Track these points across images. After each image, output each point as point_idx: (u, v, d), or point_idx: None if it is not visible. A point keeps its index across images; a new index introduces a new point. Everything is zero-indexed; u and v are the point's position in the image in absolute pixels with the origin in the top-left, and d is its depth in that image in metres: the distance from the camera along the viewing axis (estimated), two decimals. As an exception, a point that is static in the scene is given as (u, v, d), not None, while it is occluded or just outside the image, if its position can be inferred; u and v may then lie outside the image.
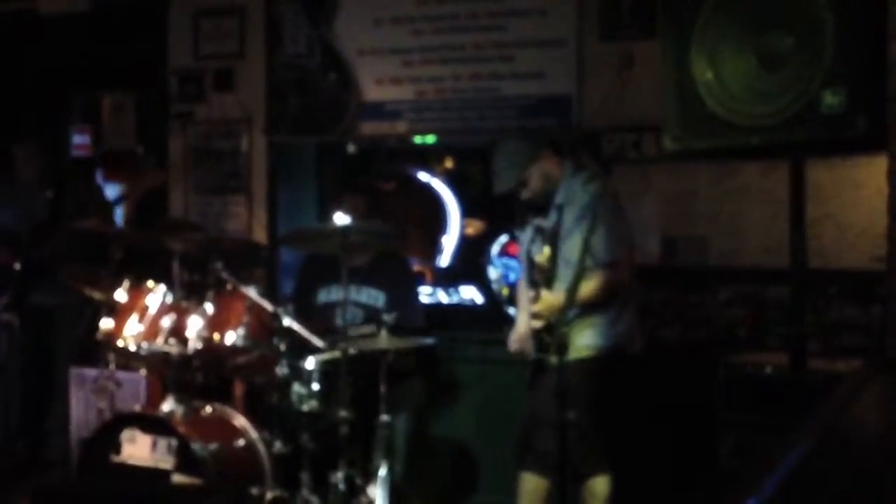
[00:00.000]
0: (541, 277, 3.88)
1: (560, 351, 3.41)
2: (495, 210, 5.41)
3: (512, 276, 5.35)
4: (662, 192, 4.90)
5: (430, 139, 5.48)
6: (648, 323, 4.34)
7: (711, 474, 4.14)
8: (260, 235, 5.72)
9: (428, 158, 5.92)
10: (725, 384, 4.20)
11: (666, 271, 4.83)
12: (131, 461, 4.13)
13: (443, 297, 5.54)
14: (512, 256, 5.37)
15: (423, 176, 5.78)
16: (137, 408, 4.45)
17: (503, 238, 5.43)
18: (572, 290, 3.42)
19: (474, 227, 5.87)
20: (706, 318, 4.76)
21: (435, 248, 5.71)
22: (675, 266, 4.86)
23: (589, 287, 3.91)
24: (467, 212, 5.78)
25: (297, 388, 4.27)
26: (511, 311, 5.25)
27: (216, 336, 4.31)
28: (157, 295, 4.49)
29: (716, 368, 4.23)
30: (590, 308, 4.02)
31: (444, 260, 5.71)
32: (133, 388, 5.04)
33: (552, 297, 3.89)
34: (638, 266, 4.28)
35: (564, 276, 3.86)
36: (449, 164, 5.94)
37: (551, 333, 3.75)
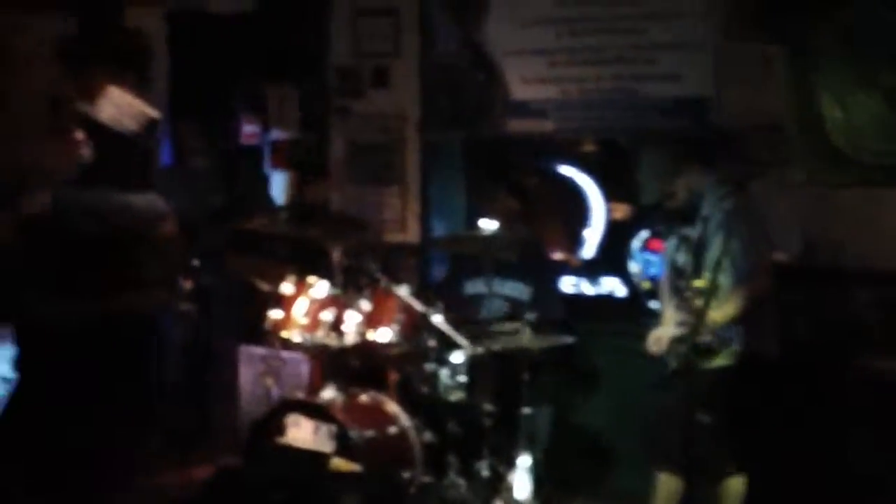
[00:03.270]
0: (699, 301, 3.91)
1: (691, 366, 3.57)
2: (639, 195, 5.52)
3: (653, 270, 5.46)
4: (799, 191, 4.91)
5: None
6: (783, 323, 4.40)
7: (843, 478, 4.23)
8: (413, 225, 6.06)
9: (569, 148, 6.04)
10: (859, 387, 4.29)
11: (803, 271, 4.82)
12: (295, 444, 4.46)
13: (586, 288, 5.72)
14: (653, 251, 5.48)
15: (564, 170, 5.94)
16: (300, 394, 4.84)
17: (644, 234, 5.54)
18: (702, 313, 3.56)
19: (621, 211, 5.93)
20: (842, 319, 4.78)
21: (577, 241, 5.87)
22: (812, 266, 4.85)
23: (729, 309, 4.06)
24: (611, 196, 5.89)
25: (444, 379, 4.59)
26: (652, 304, 5.39)
27: (371, 332, 4.64)
28: (318, 289, 4.84)
29: (850, 371, 4.31)
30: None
31: (588, 252, 5.86)
32: (296, 368, 5.48)
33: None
34: (775, 266, 4.34)
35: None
36: (590, 148, 6.01)
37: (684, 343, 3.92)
